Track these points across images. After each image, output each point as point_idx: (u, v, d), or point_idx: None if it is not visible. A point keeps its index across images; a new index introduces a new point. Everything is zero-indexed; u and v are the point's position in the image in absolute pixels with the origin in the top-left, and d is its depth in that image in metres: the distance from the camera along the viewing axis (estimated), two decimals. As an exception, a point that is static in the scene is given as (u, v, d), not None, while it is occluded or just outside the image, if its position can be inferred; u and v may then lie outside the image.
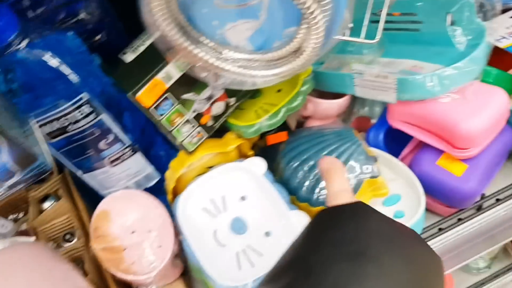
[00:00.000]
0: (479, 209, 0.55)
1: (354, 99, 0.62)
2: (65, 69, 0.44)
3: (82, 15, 0.49)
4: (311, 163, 0.49)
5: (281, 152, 0.52)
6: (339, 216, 0.31)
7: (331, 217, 0.31)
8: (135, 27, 0.45)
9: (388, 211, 0.51)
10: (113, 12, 0.52)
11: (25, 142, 0.36)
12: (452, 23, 0.52)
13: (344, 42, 0.52)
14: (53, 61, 0.44)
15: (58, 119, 0.46)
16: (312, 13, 0.38)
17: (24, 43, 0.44)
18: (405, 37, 0.55)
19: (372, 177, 0.48)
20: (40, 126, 0.45)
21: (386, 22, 0.56)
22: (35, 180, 0.39)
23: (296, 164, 0.50)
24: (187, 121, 0.50)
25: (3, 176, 0.36)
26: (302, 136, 0.52)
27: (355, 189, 0.48)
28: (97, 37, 0.52)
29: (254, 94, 0.56)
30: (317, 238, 0.30)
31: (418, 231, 0.51)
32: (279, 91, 0.55)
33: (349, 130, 0.52)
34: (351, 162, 0.48)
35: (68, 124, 0.46)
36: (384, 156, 0.55)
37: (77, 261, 0.53)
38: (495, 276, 0.78)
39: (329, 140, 0.50)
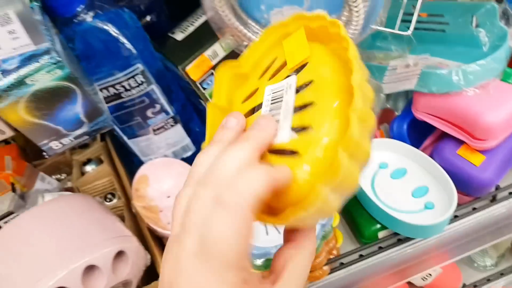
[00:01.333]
0: (493, 199, 0.59)
1: (379, 93, 0.66)
2: (124, 41, 0.49)
3: (136, -5, 0.54)
4: None
5: None
6: None
7: None
8: (178, 15, 0.52)
9: (418, 202, 0.54)
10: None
11: (94, 98, 0.40)
12: (477, 26, 0.56)
13: (373, 38, 0.56)
14: (114, 33, 0.48)
15: (114, 85, 0.50)
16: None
17: (88, 15, 0.48)
18: (431, 37, 0.59)
19: None
20: (100, 90, 0.49)
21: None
22: (96, 134, 0.43)
23: None
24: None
25: (74, 126, 0.39)
26: None
27: None
28: (147, 18, 0.56)
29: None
30: None
31: (447, 223, 0.53)
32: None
33: None
34: None
35: (122, 91, 0.51)
36: (410, 149, 0.58)
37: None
38: (501, 274, 0.80)
39: None
